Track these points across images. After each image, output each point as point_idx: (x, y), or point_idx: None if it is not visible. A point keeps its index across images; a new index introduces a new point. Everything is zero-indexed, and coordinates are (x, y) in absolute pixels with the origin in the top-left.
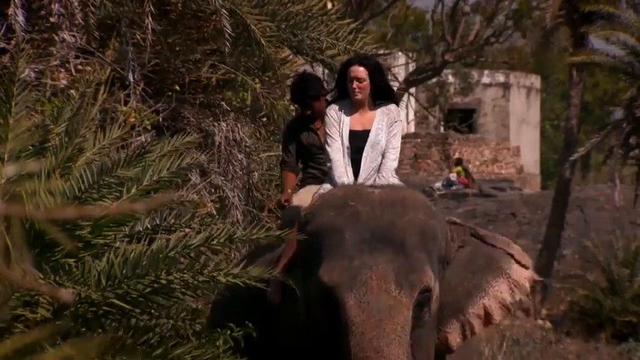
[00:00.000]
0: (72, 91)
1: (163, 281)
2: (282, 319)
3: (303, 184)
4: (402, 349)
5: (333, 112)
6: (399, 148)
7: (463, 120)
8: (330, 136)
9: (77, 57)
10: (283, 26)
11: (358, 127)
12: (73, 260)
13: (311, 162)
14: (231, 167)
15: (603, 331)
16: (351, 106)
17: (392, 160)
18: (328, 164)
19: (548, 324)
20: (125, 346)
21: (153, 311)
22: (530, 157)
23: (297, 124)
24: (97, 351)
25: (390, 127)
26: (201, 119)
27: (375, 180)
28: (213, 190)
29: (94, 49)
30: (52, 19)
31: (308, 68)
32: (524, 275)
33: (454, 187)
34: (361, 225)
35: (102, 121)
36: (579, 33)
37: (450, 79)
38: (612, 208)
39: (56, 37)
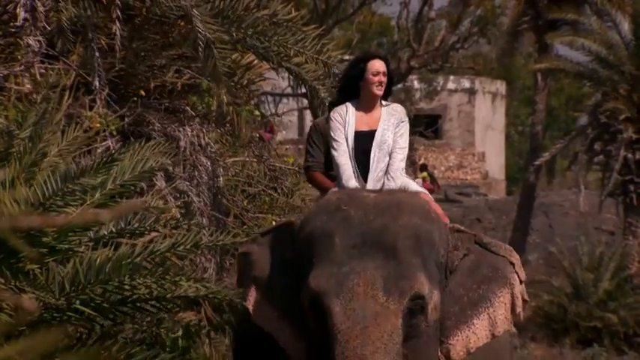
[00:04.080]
0: (35, 95)
1: (127, 286)
2: None
3: None
4: (389, 358)
5: (337, 115)
6: (407, 149)
7: (428, 126)
8: (335, 139)
9: (42, 62)
10: (250, 32)
11: (364, 128)
12: (37, 266)
13: None
14: (196, 172)
15: (568, 337)
16: (356, 107)
17: (399, 160)
18: (335, 168)
19: (513, 329)
20: (89, 351)
21: (117, 317)
22: (495, 163)
23: (324, 122)
24: (56, 349)
25: (396, 127)
26: (166, 124)
27: (384, 181)
28: (178, 196)
29: (58, 53)
30: (16, 24)
31: (273, 74)
32: (521, 289)
33: None
34: (352, 229)
35: (66, 127)
36: (544, 39)
37: (416, 84)
38: (577, 213)
39: (21, 42)
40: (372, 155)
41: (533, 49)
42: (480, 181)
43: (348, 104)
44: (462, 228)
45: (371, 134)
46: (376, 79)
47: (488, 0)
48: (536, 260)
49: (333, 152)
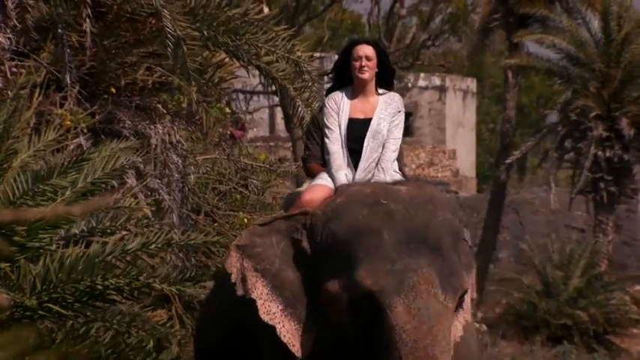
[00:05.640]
0: (5, 92)
1: (99, 286)
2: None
3: None
4: (450, 356)
5: (332, 101)
6: (400, 139)
7: None
8: (328, 126)
9: (12, 59)
10: (221, 31)
11: (359, 116)
12: (7, 264)
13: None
14: (167, 170)
15: (538, 334)
16: (351, 94)
17: (392, 151)
18: (327, 156)
19: (484, 327)
20: (58, 350)
21: (89, 315)
22: (466, 161)
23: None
24: (28, 346)
25: (392, 116)
26: (137, 122)
27: (374, 172)
28: (149, 193)
29: (28, 51)
30: None
31: (244, 72)
32: None
33: None
34: (397, 225)
35: (37, 124)
36: (514, 37)
37: None
38: (547, 211)
39: None
40: (365, 144)
41: (503, 47)
42: (451, 179)
43: (343, 91)
44: None
45: (366, 122)
46: (357, 64)
47: None
48: (507, 258)
49: (326, 140)
